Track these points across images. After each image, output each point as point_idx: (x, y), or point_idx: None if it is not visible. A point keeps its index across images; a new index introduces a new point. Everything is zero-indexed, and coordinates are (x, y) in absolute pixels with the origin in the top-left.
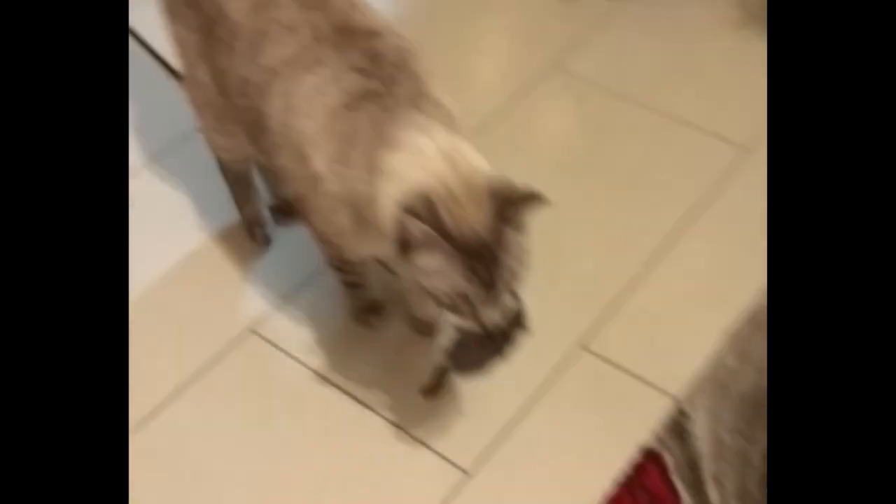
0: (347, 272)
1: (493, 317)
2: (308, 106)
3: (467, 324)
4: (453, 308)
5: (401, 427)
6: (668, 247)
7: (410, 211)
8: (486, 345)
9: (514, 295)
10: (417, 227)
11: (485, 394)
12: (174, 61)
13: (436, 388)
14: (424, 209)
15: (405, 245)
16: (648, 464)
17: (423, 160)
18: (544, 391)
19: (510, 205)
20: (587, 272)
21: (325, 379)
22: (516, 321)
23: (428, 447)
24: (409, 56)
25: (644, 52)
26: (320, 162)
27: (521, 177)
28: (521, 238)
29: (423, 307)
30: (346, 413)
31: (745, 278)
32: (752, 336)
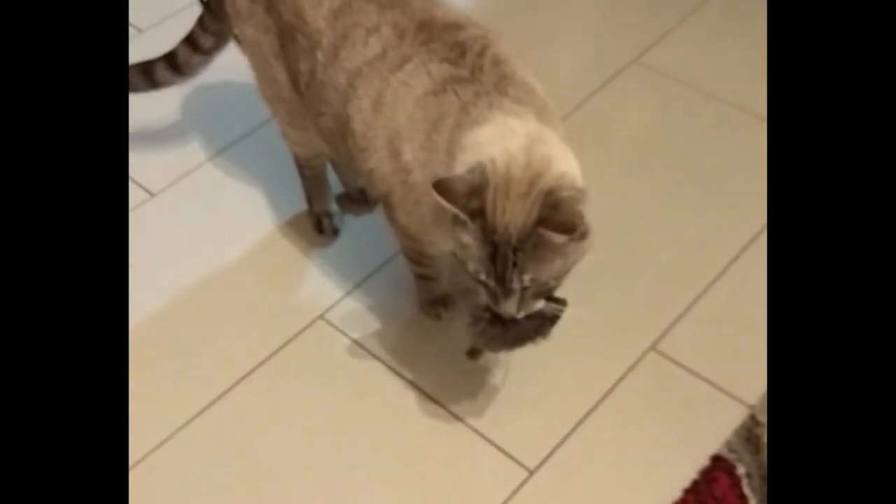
0: (424, 266)
1: (506, 308)
2: (396, 100)
3: (485, 300)
4: (476, 282)
5: (465, 421)
6: (750, 249)
7: (441, 186)
8: (503, 326)
9: (554, 300)
10: (457, 191)
11: (552, 392)
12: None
13: (477, 351)
14: (473, 180)
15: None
16: (718, 472)
17: (507, 136)
18: (612, 391)
19: (550, 212)
20: (663, 271)
21: (390, 368)
22: (543, 321)
23: (492, 443)
24: (493, 44)
25: (730, 50)
26: (408, 153)
27: (598, 171)
28: (551, 252)
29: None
30: (411, 404)
31: None
32: None
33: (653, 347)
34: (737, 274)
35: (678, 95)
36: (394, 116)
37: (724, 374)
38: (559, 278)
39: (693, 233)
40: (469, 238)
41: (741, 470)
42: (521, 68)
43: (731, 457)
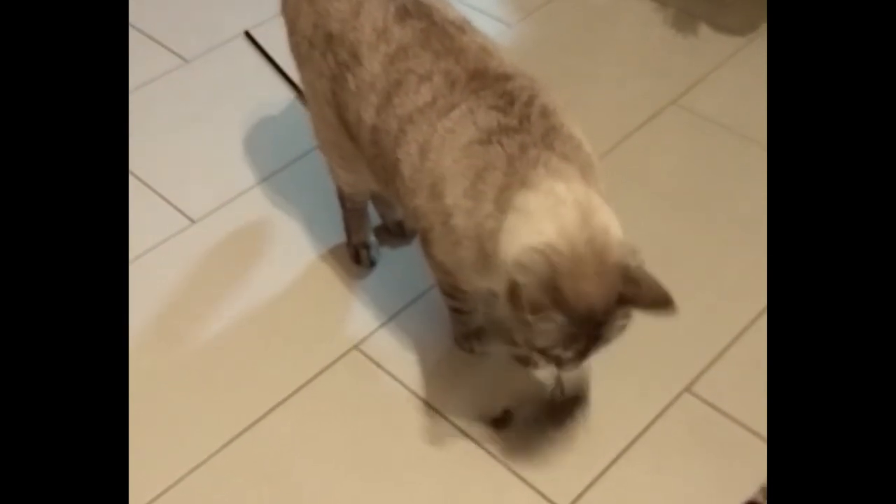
0: (459, 300)
1: (574, 369)
2: (442, 145)
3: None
4: (542, 355)
5: (496, 457)
6: None
7: (518, 280)
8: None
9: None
10: (527, 296)
11: (585, 430)
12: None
13: (502, 421)
14: (541, 273)
15: (516, 303)
16: None
17: (557, 208)
18: (646, 432)
19: (634, 288)
20: (700, 312)
21: (423, 401)
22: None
23: (524, 480)
24: (540, 94)
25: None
26: (451, 197)
27: (635, 210)
28: (626, 318)
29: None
30: (443, 438)
31: None
32: None
33: (688, 389)
34: None
35: (716, 138)
36: (439, 161)
37: (760, 418)
38: None
39: (731, 275)
40: (548, 325)
41: None
42: (569, 120)
43: (765, 503)
